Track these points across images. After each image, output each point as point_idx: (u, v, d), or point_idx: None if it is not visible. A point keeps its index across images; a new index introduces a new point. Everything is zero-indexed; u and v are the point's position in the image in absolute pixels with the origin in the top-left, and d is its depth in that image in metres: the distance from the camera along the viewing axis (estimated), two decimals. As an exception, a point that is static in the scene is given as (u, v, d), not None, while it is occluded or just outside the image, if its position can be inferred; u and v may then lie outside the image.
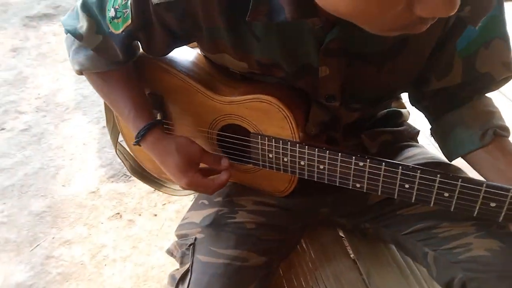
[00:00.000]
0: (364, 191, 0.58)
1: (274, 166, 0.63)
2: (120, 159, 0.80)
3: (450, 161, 0.66)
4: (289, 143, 0.60)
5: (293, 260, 0.76)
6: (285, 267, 0.75)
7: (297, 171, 0.61)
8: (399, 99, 0.78)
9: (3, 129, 1.73)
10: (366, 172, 0.56)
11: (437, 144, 0.68)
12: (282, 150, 0.61)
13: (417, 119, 0.77)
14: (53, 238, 1.27)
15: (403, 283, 0.70)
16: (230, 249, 0.60)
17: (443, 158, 0.70)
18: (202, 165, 0.63)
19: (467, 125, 0.60)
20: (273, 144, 0.61)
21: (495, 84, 0.60)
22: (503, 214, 0.50)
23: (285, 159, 0.61)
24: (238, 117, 0.63)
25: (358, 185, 0.58)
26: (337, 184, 0.59)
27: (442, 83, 0.60)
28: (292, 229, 0.70)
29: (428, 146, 0.69)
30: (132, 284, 1.15)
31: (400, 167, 0.53)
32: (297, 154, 0.60)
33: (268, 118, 0.60)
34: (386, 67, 0.57)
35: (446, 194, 0.52)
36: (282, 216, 0.68)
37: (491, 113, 0.60)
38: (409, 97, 0.69)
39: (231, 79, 0.65)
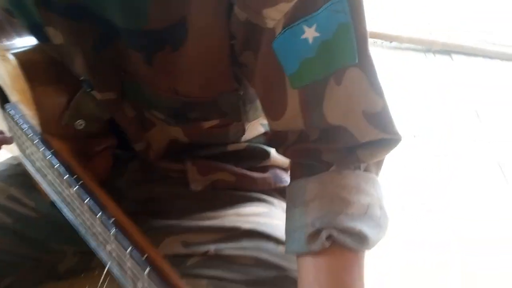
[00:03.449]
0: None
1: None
2: None
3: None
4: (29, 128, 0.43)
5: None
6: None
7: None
8: None
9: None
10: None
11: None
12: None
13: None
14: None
15: None
16: None
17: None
18: None
19: (305, 208, 0.36)
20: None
21: (364, 148, 0.36)
22: None
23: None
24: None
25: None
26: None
27: (280, 124, 0.38)
28: (57, 250, 0.52)
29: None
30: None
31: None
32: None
33: (13, 81, 0.45)
34: (158, 60, 0.37)
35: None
36: (40, 227, 0.50)
37: (341, 202, 0.35)
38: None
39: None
